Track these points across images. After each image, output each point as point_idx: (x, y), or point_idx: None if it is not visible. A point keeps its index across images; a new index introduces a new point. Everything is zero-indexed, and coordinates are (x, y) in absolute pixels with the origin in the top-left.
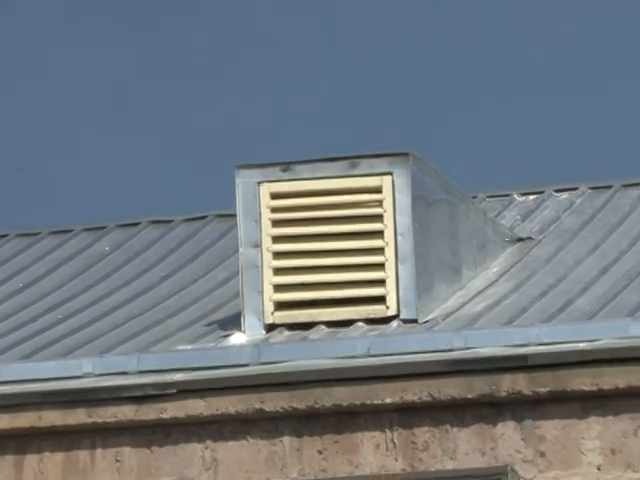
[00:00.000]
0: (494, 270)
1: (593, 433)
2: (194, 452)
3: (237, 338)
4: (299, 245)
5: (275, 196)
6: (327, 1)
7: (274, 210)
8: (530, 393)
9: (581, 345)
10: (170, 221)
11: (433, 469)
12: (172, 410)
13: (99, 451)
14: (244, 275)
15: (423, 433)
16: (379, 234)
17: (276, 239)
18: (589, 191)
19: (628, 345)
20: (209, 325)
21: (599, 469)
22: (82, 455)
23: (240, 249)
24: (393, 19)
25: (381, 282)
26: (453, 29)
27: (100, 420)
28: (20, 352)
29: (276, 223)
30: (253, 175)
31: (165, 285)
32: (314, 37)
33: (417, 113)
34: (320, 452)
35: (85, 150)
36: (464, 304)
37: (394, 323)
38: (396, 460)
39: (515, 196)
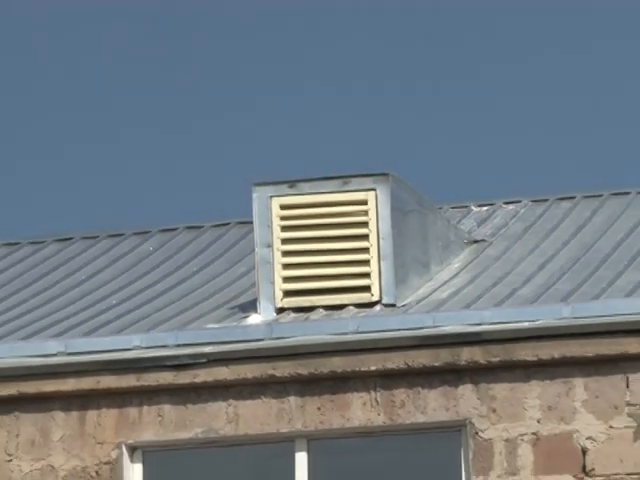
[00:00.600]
0: (456, 265)
1: (534, 394)
2: (220, 409)
3: (254, 319)
4: (302, 246)
5: (283, 207)
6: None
7: (282, 218)
8: (484, 362)
9: (524, 324)
10: (201, 227)
11: (408, 422)
12: (202, 376)
13: (145, 408)
14: (259, 270)
15: (400, 394)
16: (365, 237)
17: (284, 241)
18: (530, 203)
19: (561, 324)
20: (232, 309)
21: (539, 422)
22: (132, 411)
23: (256, 249)
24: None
25: (367, 275)
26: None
27: (146, 383)
28: (83, 330)
29: (284, 228)
30: (266, 191)
31: (196, 277)
32: (316, 72)
33: (396, 138)
34: (319, 408)
35: (137, 170)
36: (432, 292)
37: (377, 307)
38: (379, 415)
39: (472, 207)
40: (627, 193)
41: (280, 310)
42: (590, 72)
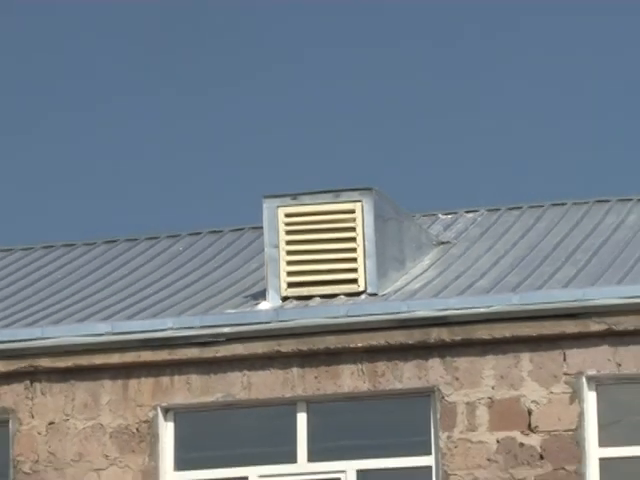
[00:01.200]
0: (426, 262)
1: (489, 366)
2: (236, 378)
3: (263, 305)
4: (303, 247)
5: (287, 215)
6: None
7: (287, 224)
8: (449, 340)
9: (481, 310)
10: (220, 231)
11: (387, 388)
12: (222, 351)
13: (176, 377)
14: (268, 266)
15: (381, 365)
16: (353, 240)
17: (288, 243)
18: (486, 212)
19: (511, 310)
20: (245, 297)
21: (493, 388)
22: (165, 380)
23: (265, 249)
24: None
25: (354, 270)
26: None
27: (177, 358)
28: (126, 314)
29: (288, 232)
30: (273, 202)
31: (217, 272)
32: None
33: (378, 158)
34: (316, 377)
35: (169, 184)
36: (407, 284)
37: (363, 296)
38: (364, 382)
39: (439, 215)
40: (564, 204)
41: (284, 298)
42: (537, 89)
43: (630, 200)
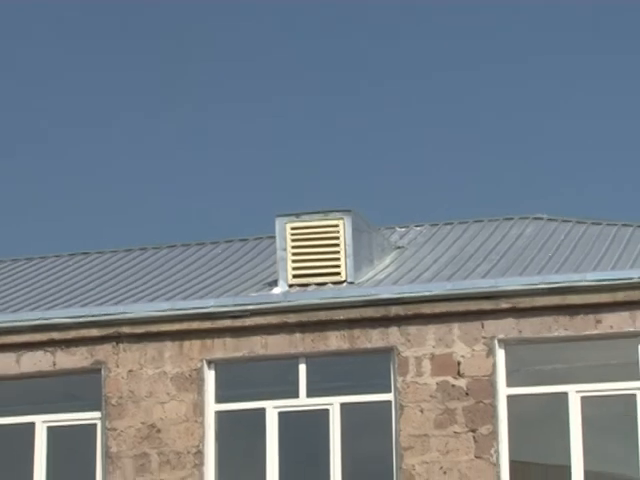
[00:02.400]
0: (387, 261)
1: (431, 332)
2: (257, 340)
3: (276, 290)
4: (303, 250)
5: (292, 228)
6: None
7: (292, 234)
8: (404, 314)
9: (426, 293)
10: (247, 239)
11: (362, 347)
12: (248, 322)
13: (215, 340)
14: (278, 263)
15: (357, 332)
16: (337, 245)
17: (293, 247)
18: (429, 226)
19: (446, 293)
20: (263, 284)
21: (433, 347)
22: (208, 341)
23: (277, 251)
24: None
25: (338, 266)
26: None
27: (216, 326)
28: (184, 295)
29: (293, 240)
30: (283, 219)
31: (244, 267)
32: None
33: (355, 187)
34: (312, 340)
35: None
36: (375, 275)
37: (344, 284)
38: (345, 343)
39: (397, 228)
40: (482, 220)
41: (290, 285)
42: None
43: (527, 218)
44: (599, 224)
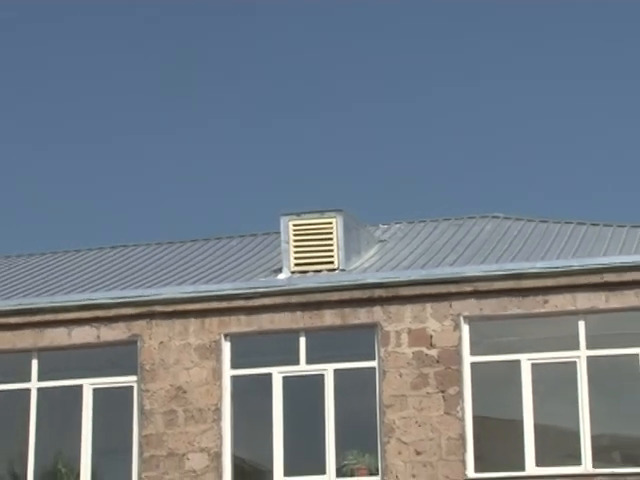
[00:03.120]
0: (372, 252)
1: (408, 311)
2: (266, 317)
3: (281, 276)
4: (303, 243)
5: (294, 225)
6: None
7: (294, 230)
8: (385, 296)
9: (402, 279)
10: (256, 234)
11: (351, 323)
12: (258, 302)
13: (232, 316)
14: (283, 254)
15: (349, 310)
16: (331, 239)
17: (294, 241)
18: (406, 224)
19: (421, 279)
20: (271, 271)
21: (410, 323)
22: (225, 318)
23: (282, 244)
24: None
25: (332, 256)
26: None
27: (232, 305)
28: (205, 280)
29: (294, 234)
30: (286, 218)
31: (255, 257)
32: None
33: (346, 189)
34: (310, 317)
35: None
36: (361, 264)
37: (337, 271)
38: (338, 320)
39: (380, 225)
40: (449, 219)
41: (292, 272)
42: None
43: (487, 217)
44: (546, 222)
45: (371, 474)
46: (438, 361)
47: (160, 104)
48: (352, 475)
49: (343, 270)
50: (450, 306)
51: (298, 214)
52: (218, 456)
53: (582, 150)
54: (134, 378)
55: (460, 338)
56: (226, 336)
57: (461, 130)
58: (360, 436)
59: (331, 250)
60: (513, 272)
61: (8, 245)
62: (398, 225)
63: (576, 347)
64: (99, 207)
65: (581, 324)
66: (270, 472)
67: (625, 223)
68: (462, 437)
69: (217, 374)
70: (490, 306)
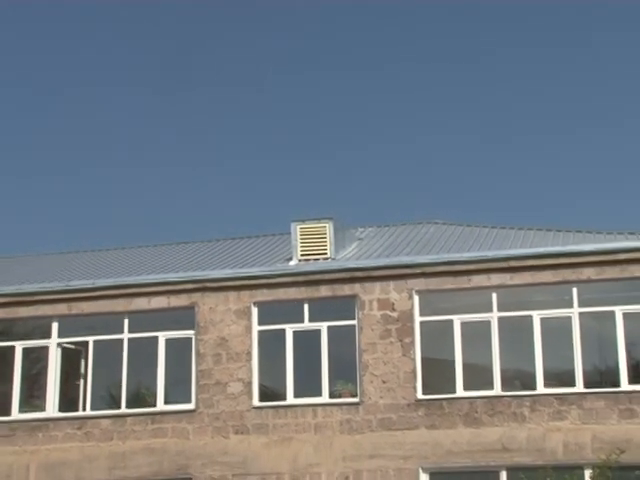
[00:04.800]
0: (353, 246)
1: (378, 287)
2: (280, 291)
3: (291, 263)
4: (306, 240)
5: (301, 228)
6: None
7: (300, 232)
8: (361, 276)
9: (374, 264)
10: (274, 235)
11: (339, 294)
12: (275, 280)
13: (258, 290)
14: (293, 248)
15: (336, 287)
16: (325, 238)
17: (301, 240)
18: (377, 227)
19: (385, 265)
20: (284, 260)
21: (379, 294)
22: (254, 291)
23: (292, 241)
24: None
25: (326, 250)
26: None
27: (258, 282)
28: (238, 265)
29: (301, 235)
30: (295, 223)
31: (273, 251)
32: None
33: (336, 200)
34: (311, 291)
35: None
36: (345, 255)
37: (329, 260)
38: (328, 291)
39: (358, 228)
40: (405, 224)
41: (299, 260)
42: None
43: (431, 222)
44: (470, 226)
45: (352, 396)
46: (398, 320)
47: (203, 136)
48: (340, 396)
49: (333, 259)
50: (406, 283)
51: (303, 221)
52: (249, 384)
53: (500, 170)
54: (192, 332)
55: (412, 305)
56: (254, 303)
57: (409, 156)
58: (345, 371)
59: (325, 245)
60: (448, 260)
61: (105, 241)
62: (370, 228)
63: (490, 310)
64: (167, 215)
65: (494, 295)
66: (284, 394)
67: (523, 226)
68: (414, 371)
69: (248, 329)
70: (433, 283)
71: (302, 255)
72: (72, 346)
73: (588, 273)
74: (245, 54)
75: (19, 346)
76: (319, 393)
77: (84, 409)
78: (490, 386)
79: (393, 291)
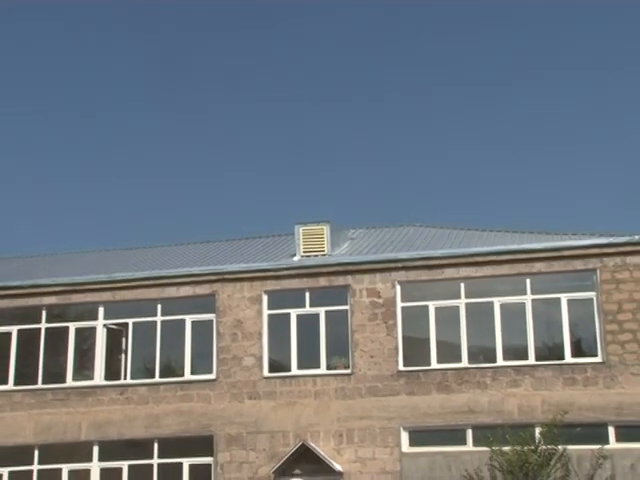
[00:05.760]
0: (346, 245)
1: (367, 277)
2: (286, 281)
3: (295, 258)
4: (308, 241)
5: (303, 230)
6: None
7: (303, 234)
8: (353, 269)
9: (363, 259)
10: (280, 235)
11: (334, 284)
12: (282, 273)
13: (268, 280)
14: (296, 246)
15: (333, 277)
16: (322, 238)
17: (303, 240)
18: (366, 229)
19: (371, 260)
20: (289, 256)
21: (368, 284)
22: (266, 282)
23: (296, 240)
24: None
25: (323, 247)
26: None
27: (268, 275)
28: (253, 260)
29: (304, 235)
30: (299, 226)
31: (280, 248)
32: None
33: (331, 206)
34: (311, 281)
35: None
36: (339, 252)
37: (326, 256)
38: (326, 281)
39: (350, 230)
40: (389, 227)
41: (301, 256)
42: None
43: (410, 225)
44: (442, 228)
45: (345, 368)
46: (383, 305)
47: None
48: (335, 368)
49: (330, 255)
50: (390, 275)
51: (304, 224)
52: (260, 358)
53: (467, 180)
54: (213, 315)
55: (395, 293)
56: (264, 292)
57: (393, 170)
58: (339, 347)
59: (323, 244)
60: (424, 256)
61: (139, 240)
62: (360, 230)
63: (459, 297)
64: (192, 218)
65: (462, 285)
66: (289, 367)
67: (486, 228)
68: (396, 348)
69: (259, 313)
70: (412, 275)
71: (304, 252)
72: (115, 327)
73: (539, 267)
74: (252, 62)
75: (72, 327)
76: (318, 366)
77: (125, 378)
78: (459, 359)
79: (379, 282)
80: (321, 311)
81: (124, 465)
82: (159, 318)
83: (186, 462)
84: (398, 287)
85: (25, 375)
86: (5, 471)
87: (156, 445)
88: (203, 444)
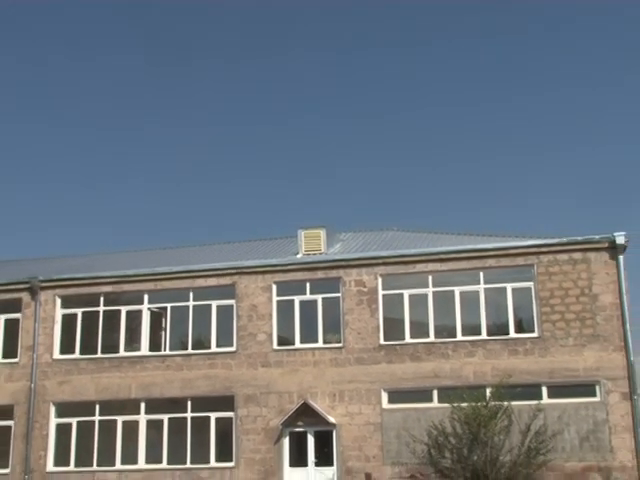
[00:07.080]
0: (338, 246)
1: (355, 271)
2: (291, 274)
3: (298, 256)
4: (309, 242)
5: (305, 233)
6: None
7: (305, 236)
8: (344, 264)
9: (353, 256)
10: (287, 237)
11: (330, 277)
12: (288, 268)
13: (277, 274)
14: (299, 246)
15: (328, 271)
16: (319, 240)
17: (305, 241)
18: (354, 233)
19: (361, 256)
20: (293, 254)
21: (355, 277)
22: (275, 274)
23: (298, 241)
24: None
25: (319, 247)
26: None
27: (277, 269)
28: (264, 257)
29: (305, 238)
30: (302, 230)
31: (287, 247)
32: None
33: (327, 212)
34: (311, 274)
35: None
36: (333, 251)
37: (323, 254)
38: (322, 274)
39: (342, 233)
40: (374, 230)
41: (303, 254)
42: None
43: (390, 229)
44: (415, 232)
45: (337, 342)
46: (367, 293)
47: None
48: (330, 343)
49: (326, 253)
50: (373, 269)
51: (306, 228)
52: (270, 335)
53: (432, 190)
54: (234, 301)
55: (377, 283)
56: (274, 282)
57: (375, 185)
58: (333, 326)
59: (320, 244)
60: (400, 254)
61: (173, 241)
62: (350, 233)
63: (427, 287)
64: (217, 223)
65: (430, 277)
66: (293, 341)
67: (449, 232)
68: (378, 326)
69: (270, 299)
70: (390, 269)
71: (305, 251)
72: (157, 310)
73: (490, 262)
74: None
75: (123, 310)
76: (316, 341)
77: (165, 350)
78: (427, 335)
79: (364, 274)
80: (319, 298)
81: (165, 418)
82: (191, 303)
83: (213, 416)
84: (380, 279)
85: (88, 347)
86: (74, 421)
87: (189, 402)
88: (226, 402)
